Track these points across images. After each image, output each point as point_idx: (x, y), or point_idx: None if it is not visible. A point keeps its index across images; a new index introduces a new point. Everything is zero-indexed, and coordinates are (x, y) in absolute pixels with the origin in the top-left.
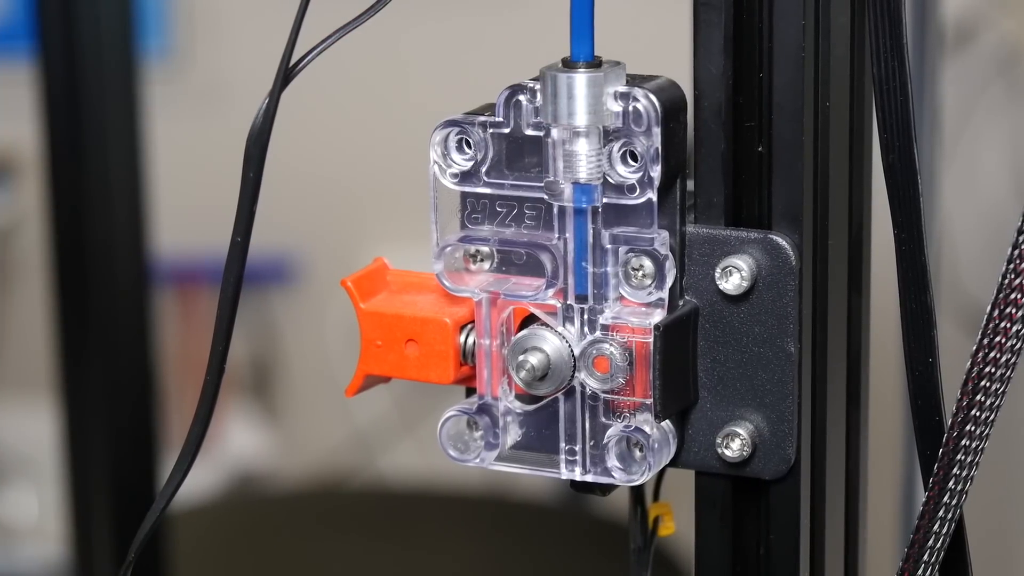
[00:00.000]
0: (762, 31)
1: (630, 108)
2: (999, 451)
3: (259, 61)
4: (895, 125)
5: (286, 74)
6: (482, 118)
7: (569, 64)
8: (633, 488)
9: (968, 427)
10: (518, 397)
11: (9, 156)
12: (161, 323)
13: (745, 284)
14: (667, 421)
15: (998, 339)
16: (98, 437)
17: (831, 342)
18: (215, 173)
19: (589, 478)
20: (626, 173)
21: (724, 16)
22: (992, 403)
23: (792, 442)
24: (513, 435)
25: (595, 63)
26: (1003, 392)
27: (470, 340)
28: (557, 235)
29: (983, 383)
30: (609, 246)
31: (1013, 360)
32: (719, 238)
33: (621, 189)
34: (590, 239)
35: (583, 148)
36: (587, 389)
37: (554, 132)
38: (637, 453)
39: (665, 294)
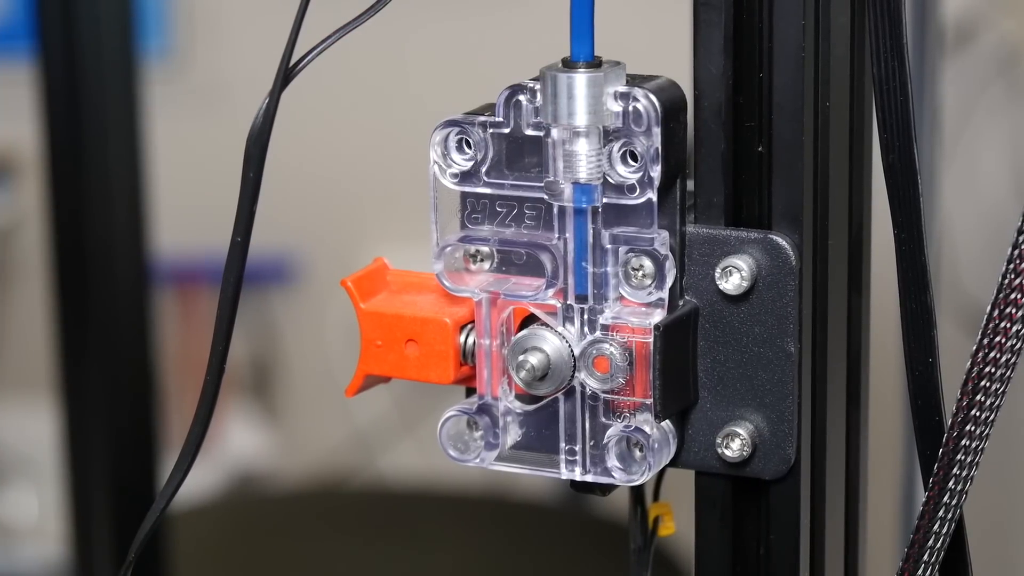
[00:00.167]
0: (762, 31)
1: (630, 108)
2: (999, 451)
3: (259, 61)
4: (895, 125)
5: (286, 74)
6: (482, 118)
7: (569, 64)
8: (633, 488)
9: (968, 427)
10: (518, 397)
11: (9, 156)
12: (161, 323)
13: (745, 284)
14: (667, 421)
15: (998, 339)
16: (98, 437)
17: (831, 342)
18: (215, 173)
19: (589, 478)
20: (626, 173)
21: (724, 16)
22: (992, 403)
23: (792, 442)
24: (513, 435)
25: (595, 63)
26: (1003, 392)
27: (470, 340)
28: (557, 235)
29: (983, 383)
30: (609, 246)
31: (1013, 360)
32: (719, 238)
33: (621, 189)
34: (590, 239)
35: (583, 148)
36: (587, 389)
37: (554, 132)
38: (637, 453)
39: (665, 294)
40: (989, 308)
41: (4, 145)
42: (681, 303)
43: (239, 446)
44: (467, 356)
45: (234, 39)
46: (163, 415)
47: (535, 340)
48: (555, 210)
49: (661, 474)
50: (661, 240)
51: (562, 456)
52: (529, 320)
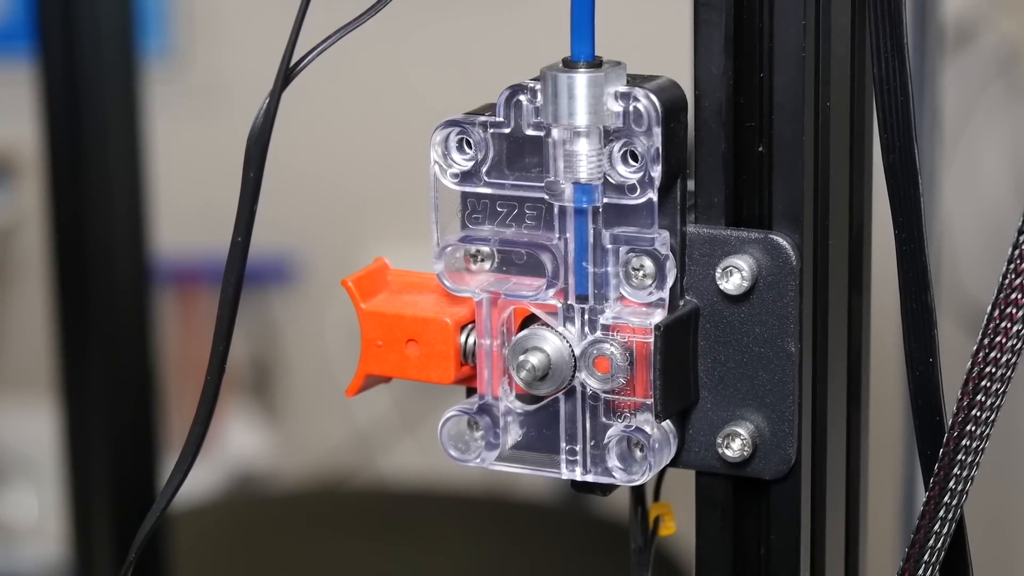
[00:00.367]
0: (763, 31)
1: (631, 108)
2: (999, 451)
3: (259, 61)
4: (895, 125)
5: (286, 74)
6: (483, 118)
7: (570, 64)
8: (633, 488)
9: (969, 427)
10: (519, 397)
11: (9, 156)
12: (161, 323)
13: (746, 284)
14: (667, 421)
15: (999, 339)
16: (98, 437)
17: (832, 342)
18: (215, 173)
19: (590, 478)
20: (627, 173)
21: (724, 16)
22: (993, 403)
23: (793, 442)
24: (513, 435)
25: (596, 63)
26: (1003, 392)
27: (471, 340)
28: (558, 235)
29: (984, 383)
30: (610, 246)
31: (1014, 360)
32: (719, 238)
33: (622, 189)
34: (591, 239)
35: (584, 148)
36: (588, 389)
37: (555, 132)
38: (638, 453)
39: (666, 294)
40: (989, 308)
41: (4, 145)
42: (682, 303)
43: (239, 446)
44: (468, 356)
45: (234, 39)
46: (163, 415)
47: (536, 340)
48: (556, 210)
49: (661, 474)
50: (662, 240)
51: (563, 456)
52: (530, 320)
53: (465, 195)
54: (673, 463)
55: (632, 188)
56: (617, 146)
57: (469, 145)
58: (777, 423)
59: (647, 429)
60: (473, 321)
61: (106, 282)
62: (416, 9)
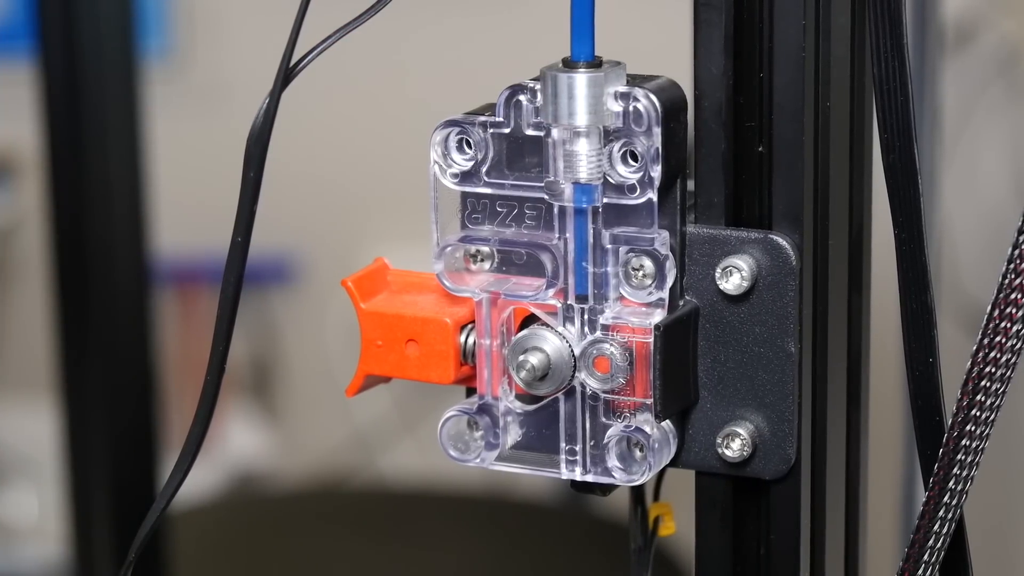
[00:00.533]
0: (762, 31)
1: (630, 108)
2: (999, 451)
3: (259, 61)
4: (895, 125)
5: (286, 74)
6: (482, 118)
7: (569, 64)
8: (633, 488)
9: (968, 427)
10: (518, 397)
11: (9, 156)
12: (161, 323)
13: (745, 284)
14: (667, 421)
15: (998, 339)
16: (98, 437)
17: (831, 342)
18: (215, 173)
19: (589, 478)
20: (626, 173)
21: (724, 16)
22: (992, 403)
23: (792, 442)
24: (513, 435)
25: (595, 63)
26: (1003, 392)
27: (470, 340)
28: (557, 235)
29: (983, 383)
30: (609, 246)
31: (1013, 360)
32: (719, 238)
33: (621, 189)
34: (590, 239)
35: (583, 148)
36: (587, 389)
37: (554, 132)
38: (637, 453)
39: (665, 294)
40: (989, 308)
41: (4, 145)
42: (681, 303)
43: (239, 446)
44: (467, 356)
45: (234, 39)
46: (163, 415)
47: (535, 340)
48: (555, 210)
49: (661, 474)
50: (661, 240)
51: (562, 456)
52: (529, 320)
53: (465, 195)
54: (673, 463)
55: (632, 188)
56: (617, 146)
57: (469, 145)
58: (777, 423)
59: (647, 429)
60: (473, 321)
61: (106, 282)
62: (416, 9)
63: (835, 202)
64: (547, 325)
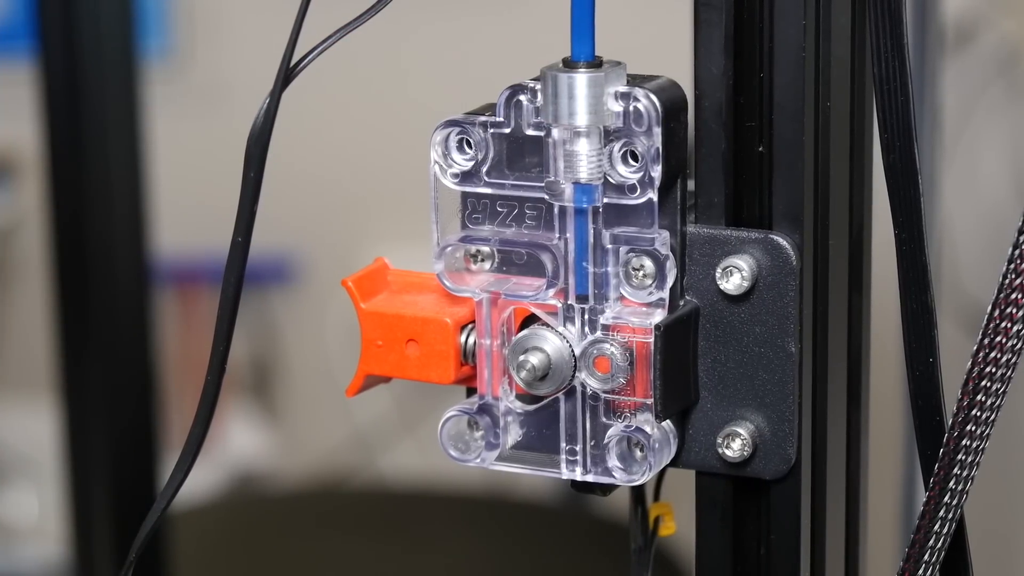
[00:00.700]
0: (763, 31)
1: (631, 108)
2: (1000, 451)
3: (259, 61)
4: (896, 125)
5: (287, 74)
6: (483, 118)
7: (570, 64)
8: (634, 488)
9: (969, 427)
10: (519, 397)
11: (9, 156)
12: (161, 323)
13: (746, 284)
14: (668, 421)
15: (999, 339)
16: (98, 437)
17: (832, 342)
18: (215, 173)
19: (590, 478)
20: (627, 173)
21: (725, 16)
22: (993, 403)
23: (793, 442)
24: (514, 435)
25: (596, 63)
26: (1004, 392)
27: (471, 340)
28: (558, 235)
29: (984, 383)
30: (610, 246)
31: (1014, 360)
32: (720, 238)
33: (622, 189)
34: (591, 239)
35: (584, 148)
36: (588, 389)
37: (555, 132)
38: (638, 453)
39: (666, 294)
40: (990, 308)
41: (4, 145)
42: (682, 303)
43: (239, 446)
44: (468, 356)
45: (234, 39)
46: (163, 415)
47: (536, 340)
48: (556, 210)
49: (662, 474)
50: (662, 240)
51: (563, 456)
52: (530, 320)
53: (465, 195)
54: (673, 463)
55: (632, 188)
56: (617, 146)
57: (469, 145)
58: (777, 423)
59: (647, 429)
60: (473, 321)
61: (106, 282)
62: (416, 9)
63: (835, 202)
64: (547, 325)
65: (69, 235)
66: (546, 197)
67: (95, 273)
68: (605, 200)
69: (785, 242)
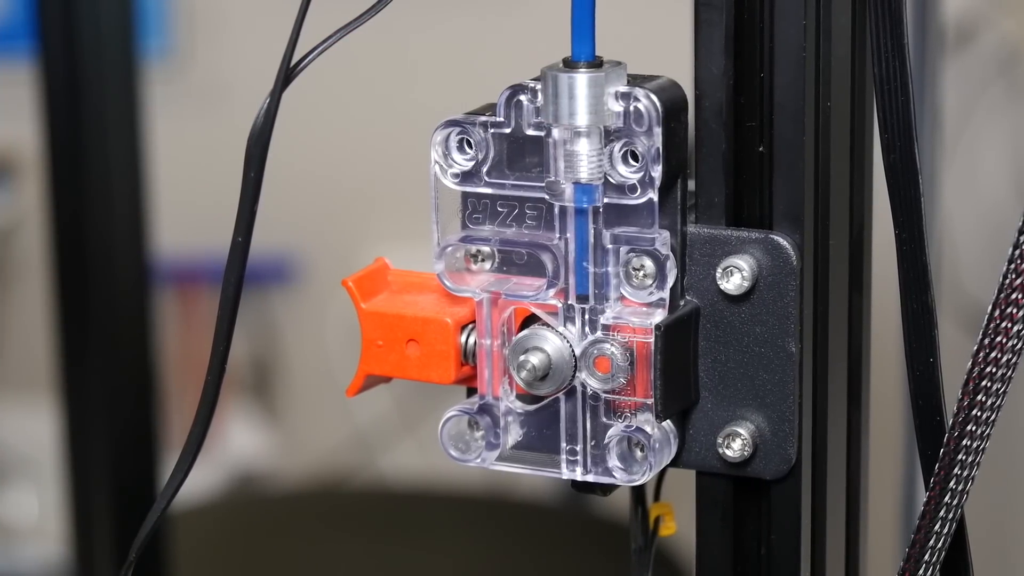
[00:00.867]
0: (763, 31)
1: (631, 108)
2: (1000, 451)
3: (259, 61)
4: (896, 125)
5: (287, 74)
6: (483, 118)
7: (570, 64)
8: (634, 488)
9: (969, 427)
10: (519, 397)
11: (9, 156)
12: (161, 323)
13: (746, 284)
14: (668, 421)
15: (999, 339)
16: (98, 437)
17: (832, 342)
18: (215, 173)
19: (590, 478)
20: (627, 173)
21: (725, 16)
22: (993, 403)
23: (793, 442)
24: (514, 435)
25: (596, 63)
26: (1004, 392)
27: (471, 340)
28: (558, 235)
29: (984, 383)
30: (610, 246)
31: (1014, 360)
32: (720, 238)
33: (622, 189)
34: (591, 239)
35: (584, 148)
36: (588, 389)
37: (555, 132)
38: (638, 453)
39: (666, 294)
40: (990, 308)
41: (4, 145)
42: (682, 303)
43: (239, 446)
44: (468, 356)
45: (234, 39)
46: (163, 415)
47: (536, 340)
48: (556, 210)
49: (662, 474)
50: (662, 240)
51: (563, 456)
52: (530, 320)
53: (465, 195)
54: (673, 463)
55: (632, 188)
56: (617, 146)
57: (470, 145)
58: (777, 423)
59: (647, 429)
60: (473, 321)
61: (106, 282)
62: (417, 9)
63: (835, 202)
64: (548, 325)
65: (69, 235)
66: (546, 197)
67: (95, 273)
68: (605, 200)
69: (785, 242)
